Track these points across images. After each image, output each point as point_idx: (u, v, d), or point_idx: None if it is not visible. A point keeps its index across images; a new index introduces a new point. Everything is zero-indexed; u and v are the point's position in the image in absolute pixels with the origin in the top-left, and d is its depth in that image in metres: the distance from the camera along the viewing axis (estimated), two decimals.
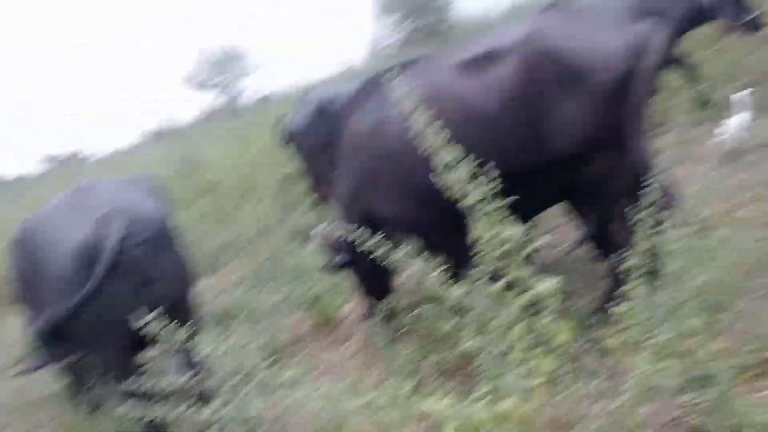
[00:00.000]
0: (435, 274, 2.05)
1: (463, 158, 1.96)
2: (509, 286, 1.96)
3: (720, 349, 2.62)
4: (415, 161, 3.19)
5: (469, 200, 1.86)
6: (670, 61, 5.55)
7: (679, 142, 5.67)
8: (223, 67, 32.68)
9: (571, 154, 2.93)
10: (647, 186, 3.19)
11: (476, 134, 2.92)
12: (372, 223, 3.09)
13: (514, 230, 1.88)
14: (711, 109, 5.96)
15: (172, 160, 8.97)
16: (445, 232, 3.34)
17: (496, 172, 1.94)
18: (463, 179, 1.87)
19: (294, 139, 5.92)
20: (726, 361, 2.42)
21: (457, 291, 1.98)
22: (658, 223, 2.26)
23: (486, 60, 3.03)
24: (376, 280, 3.95)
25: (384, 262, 3.74)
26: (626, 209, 3.05)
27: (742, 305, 2.99)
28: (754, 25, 5.90)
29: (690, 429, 2.36)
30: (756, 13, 5.88)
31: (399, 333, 3.88)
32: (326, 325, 4.47)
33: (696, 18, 5.96)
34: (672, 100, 6.33)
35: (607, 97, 2.82)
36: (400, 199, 3.40)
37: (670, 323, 2.11)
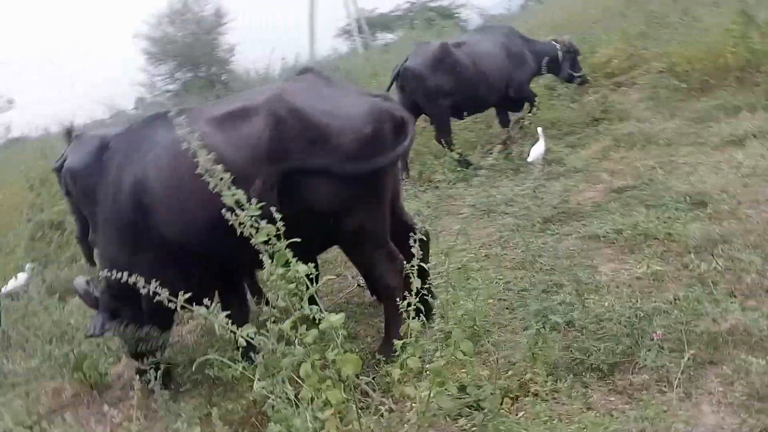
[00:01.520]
0: (220, 318, 2.00)
1: (249, 198, 1.98)
2: (297, 324, 2.00)
3: (484, 376, 2.97)
4: (157, 212, 3.18)
5: (259, 238, 1.88)
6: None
7: (439, 197, 6.36)
8: None
9: (324, 208, 3.12)
10: (409, 235, 3.56)
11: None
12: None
13: (303, 268, 1.94)
14: (467, 170, 6.81)
15: None
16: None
17: (277, 215, 1.99)
18: (253, 217, 1.88)
19: (70, 179, 5.27)
20: (490, 386, 2.73)
21: (246, 331, 1.95)
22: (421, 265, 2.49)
23: (239, 115, 3.17)
24: (145, 335, 3.71)
25: (153, 315, 3.55)
26: (389, 255, 3.36)
27: (499, 337, 3.43)
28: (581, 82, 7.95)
29: None
30: (582, 73, 7.94)
31: (181, 389, 3.64)
32: (94, 389, 3.99)
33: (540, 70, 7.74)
34: (436, 161, 7.11)
35: (350, 157, 3.06)
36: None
37: (442, 352, 2.33)
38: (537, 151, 6.42)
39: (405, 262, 3.46)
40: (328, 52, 18.13)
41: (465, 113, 7.32)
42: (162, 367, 3.58)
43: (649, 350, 2.82)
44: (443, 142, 7.12)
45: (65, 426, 1.69)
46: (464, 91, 7.01)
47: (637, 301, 3.25)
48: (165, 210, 3.21)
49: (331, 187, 3.09)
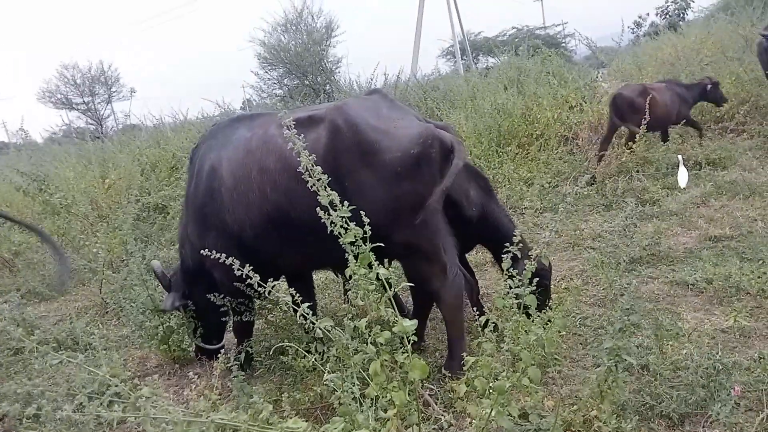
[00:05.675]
0: (303, 307, 2.14)
1: (341, 200, 2.11)
2: (372, 324, 2.11)
3: (548, 406, 2.95)
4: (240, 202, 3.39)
5: (347, 238, 2.00)
6: None
7: (524, 224, 6.32)
8: (90, 87, 30.81)
9: (372, 221, 3.17)
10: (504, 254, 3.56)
11: (291, 185, 3.19)
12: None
13: (383, 271, 2.04)
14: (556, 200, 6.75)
15: (17, 175, 8.21)
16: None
17: (366, 219, 2.11)
18: (344, 218, 2.01)
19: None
20: (553, 417, 2.72)
21: (324, 324, 2.07)
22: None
23: (306, 123, 3.35)
24: (219, 320, 3.95)
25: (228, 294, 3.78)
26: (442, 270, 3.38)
27: (570, 370, 3.39)
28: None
29: None
30: None
31: (255, 374, 3.84)
32: (177, 363, 4.29)
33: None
34: (526, 187, 7.07)
35: (395, 174, 3.13)
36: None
37: (508, 374, 2.35)
38: (683, 176, 6.54)
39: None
40: (430, 70, 18.34)
41: None
42: (242, 349, 3.83)
43: (724, 405, 2.71)
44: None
45: (154, 384, 1.86)
46: None
47: (718, 354, 3.12)
48: (228, 197, 3.49)
49: (377, 201, 3.16)
